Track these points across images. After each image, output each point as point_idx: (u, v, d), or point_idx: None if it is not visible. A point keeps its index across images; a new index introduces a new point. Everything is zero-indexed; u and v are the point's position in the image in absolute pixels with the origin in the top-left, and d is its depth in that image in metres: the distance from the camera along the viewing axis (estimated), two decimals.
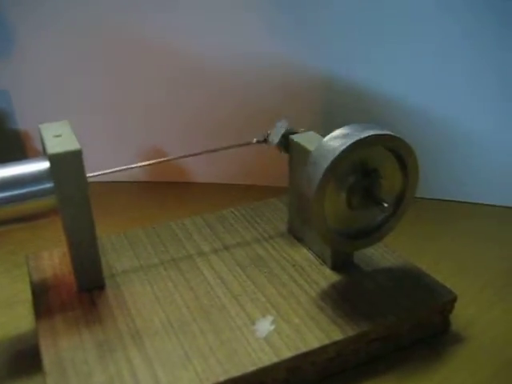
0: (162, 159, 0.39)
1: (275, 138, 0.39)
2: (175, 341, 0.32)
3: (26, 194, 0.34)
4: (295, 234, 0.42)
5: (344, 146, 0.32)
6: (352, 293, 0.36)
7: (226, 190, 0.56)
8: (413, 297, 0.36)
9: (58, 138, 0.34)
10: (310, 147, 0.36)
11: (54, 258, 0.40)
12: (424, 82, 0.49)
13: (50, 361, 0.31)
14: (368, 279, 0.37)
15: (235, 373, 0.30)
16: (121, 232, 0.42)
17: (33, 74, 0.52)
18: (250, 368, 0.31)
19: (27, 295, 0.41)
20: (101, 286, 0.37)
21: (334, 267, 0.38)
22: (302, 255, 0.40)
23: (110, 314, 0.35)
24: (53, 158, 0.32)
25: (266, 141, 0.39)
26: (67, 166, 0.33)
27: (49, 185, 0.34)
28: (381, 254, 0.40)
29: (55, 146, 0.33)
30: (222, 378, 0.30)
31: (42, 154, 0.36)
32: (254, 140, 0.39)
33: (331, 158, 0.32)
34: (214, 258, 0.39)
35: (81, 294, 0.36)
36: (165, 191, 0.56)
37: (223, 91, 0.53)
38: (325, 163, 0.32)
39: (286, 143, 0.39)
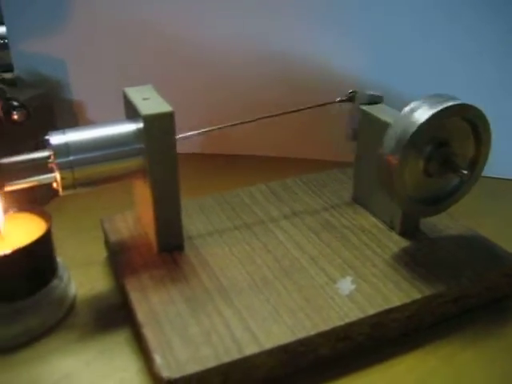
0: (219, 126, 0.40)
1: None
2: (262, 297, 0.34)
3: (116, 155, 0.36)
4: (361, 203, 0.44)
5: (426, 117, 0.34)
6: (423, 257, 0.38)
7: (274, 162, 0.58)
8: (481, 261, 0.38)
9: (147, 100, 0.36)
10: (386, 118, 0.38)
11: (127, 221, 0.42)
12: None
13: (143, 314, 0.33)
14: (436, 245, 0.40)
15: (325, 327, 0.32)
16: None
17: (89, 44, 0.54)
18: (338, 323, 0.33)
19: (100, 257, 0.43)
20: (180, 248, 0.39)
21: (403, 233, 0.40)
22: (370, 222, 0.42)
23: (193, 273, 0.37)
24: (147, 119, 0.34)
25: (350, 99, 0.41)
26: (160, 126, 0.35)
27: (137, 146, 0.36)
28: (444, 223, 0.42)
29: (148, 107, 0.35)
30: (312, 332, 0.32)
31: (126, 116, 0.38)
32: (337, 99, 0.41)
33: (413, 129, 0.34)
34: (286, 223, 0.41)
35: (162, 255, 0.38)
36: (215, 163, 0.58)
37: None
38: (407, 134, 0.34)
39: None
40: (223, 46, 0.54)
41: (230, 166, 0.58)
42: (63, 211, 0.48)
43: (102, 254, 0.43)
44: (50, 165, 0.36)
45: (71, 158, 0.34)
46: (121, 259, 0.38)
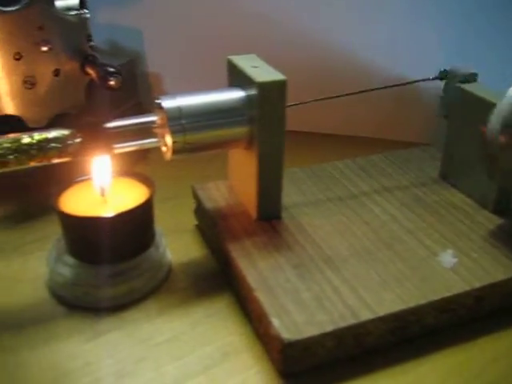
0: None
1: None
2: (367, 267, 0.35)
3: (225, 122, 0.36)
4: (450, 180, 0.44)
5: None
6: None
7: (352, 141, 0.59)
8: None
9: (257, 68, 0.36)
10: (489, 97, 0.39)
11: (220, 189, 0.42)
12: None
13: (253, 279, 0.34)
14: None
15: (433, 297, 0.33)
16: None
17: (165, 15, 0.54)
18: (446, 293, 0.33)
19: (189, 225, 0.44)
20: (278, 217, 0.39)
21: (496, 211, 0.41)
22: (460, 199, 0.42)
23: (295, 242, 0.37)
24: (261, 86, 0.35)
25: (442, 78, 0.41)
26: (273, 94, 0.35)
27: (246, 114, 0.36)
28: None
29: (260, 75, 0.35)
30: (422, 301, 0.33)
31: (230, 84, 0.39)
32: (431, 77, 0.42)
33: None
34: (378, 197, 0.42)
35: (261, 223, 0.39)
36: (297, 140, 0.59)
37: None
38: None
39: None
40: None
41: (308, 143, 0.58)
42: None
43: (190, 222, 0.44)
44: (155, 129, 0.36)
45: (183, 121, 0.35)
46: (220, 226, 0.39)
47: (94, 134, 0.35)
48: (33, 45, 0.42)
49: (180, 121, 0.35)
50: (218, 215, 0.40)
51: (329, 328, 0.31)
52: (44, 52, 0.43)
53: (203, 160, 0.44)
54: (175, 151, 0.35)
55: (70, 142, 0.34)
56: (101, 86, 0.42)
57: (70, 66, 0.44)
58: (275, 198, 0.39)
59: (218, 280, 0.39)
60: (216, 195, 0.42)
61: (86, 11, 0.47)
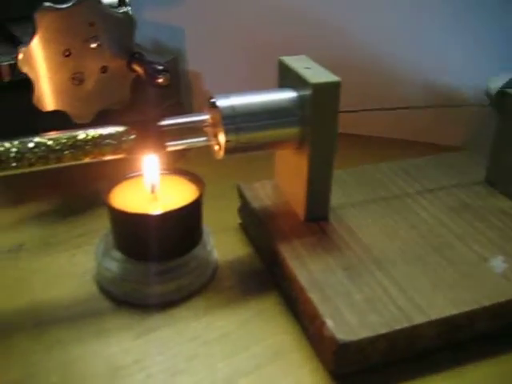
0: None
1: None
2: (416, 270, 0.35)
3: (278, 122, 0.36)
4: (496, 185, 0.44)
5: None
6: None
7: (395, 144, 0.59)
8: None
9: (310, 70, 0.37)
10: None
11: (266, 188, 0.43)
12: None
13: (305, 280, 0.34)
14: None
15: (486, 302, 0.33)
16: None
17: (209, 14, 0.54)
18: (499, 299, 0.33)
19: (233, 223, 0.44)
20: (325, 218, 0.39)
21: None
22: (509, 205, 0.42)
23: (344, 243, 0.37)
24: (316, 87, 0.35)
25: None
26: (326, 95, 0.35)
27: (298, 115, 0.36)
28: None
29: (314, 76, 0.35)
30: (475, 306, 0.33)
31: (281, 84, 0.39)
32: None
33: None
34: (423, 200, 0.42)
35: (308, 224, 0.39)
36: None
37: None
38: None
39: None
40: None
41: (347, 145, 0.58)
42: None
43: (233, 220, 0.44)
44: (205, 128, 0.37)
45: (237, 121, 0.35)
46: (269, 226, 0.39)
47: (148, 132, 0.35)
48: (82, 42, 0.43)
49: (234, 120, 0.35)
50: (265, 215, 0.40)
51: (382, 330, 0.31)
52: (93, 49, 0.43)
53: (242, 159, 0.44)
54: (228, 150, 0.36)
55: (124, 138, 0.35)
56: (148, 84, 0.42)
57: (117, 63, 0.45)
58: (324, 199, 0.39)
59: (263, 279, 0.39)
60: (262, 194, 0.42)
61: (129, 8, 0.47)
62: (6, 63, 0.44)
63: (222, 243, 0.41)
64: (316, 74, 0.36)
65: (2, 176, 0.34)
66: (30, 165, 0.34)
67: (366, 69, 0.54)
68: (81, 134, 0.34)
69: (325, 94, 0.35)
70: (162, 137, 0.35)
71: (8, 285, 0.38)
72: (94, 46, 0.43)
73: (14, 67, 0.44)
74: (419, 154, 0.49)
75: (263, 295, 0.37)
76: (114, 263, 0.37)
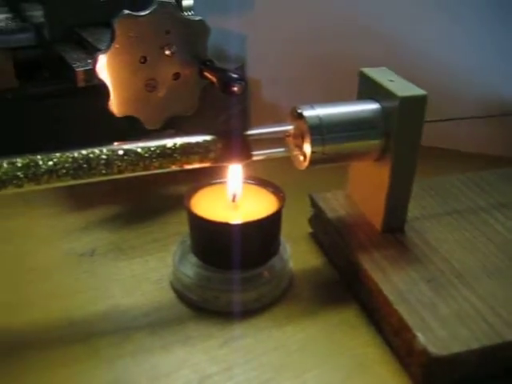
0: None
1: None
2: (500, 285, 0.35)
3: (362, 134, 0.37)
4: None
5: None
6: None
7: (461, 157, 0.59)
8: None
9: (394, 82, 0.37)
10: None
11: (339, 199, 0.43)
12: None
13: (390, 292, 0.34)
14: None
15: None
16: None
17: (271, 23, 0.55)
18: None
19: (302, 232, 0.44)
20: (401, 230, 0.40)
21: None
22: None
23: (423, 255, 0.37)
24: (403, 101, 0.35)
25: None
26: (413, 109, 0.35)
27: (382, 127, 0.36)
28: None
29: (400, 89, 0.36)
30: None
31: (360, 96, 0.39)
32: None
33: None
34: (498, 214, 0.42)
35: (385, 235, 0.39)
36: None
37: None
38: None
39: None
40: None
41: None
42: None
43: (303, 229, 0.44)
44: (287, 138, 0.37)
45: (324, 132, 0.35)
46: (347, 236, 0.39)
47: (234, 141, 0.36)
48: (158, 49, 0.43)
49: (320, 131, 0.35)
50: (341, 225, 0.40)
51: (474, 345, 0.31)
52: (167, 56, 0.44)
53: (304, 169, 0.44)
54: (313, 161, 0.36)
55: (211, 148, 0.35)
56: (222, 92, 0.43)
57: (189, 71, 0.45)
58: (402, 211, 0.39)
59: (339, 289, 0.39)
60: (335, 204, 0.42)
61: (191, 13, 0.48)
62: (81, 69, 0.44)
63: (295, 253, 0.41)
64: (401, 86, 0.36)
65: (88, 183, 0.34)
66: (119, 172, 0.34)
67: (427, 80, 0.54)
68: (169, 143, 0.35)
69: (411, 107, 0.35)
70: (247, 146, 0.36)
71: (85, 289, 0.39)
72: (168, 53, 0.44)
73: (88, 73, 0.44)
74: (482, 165, 0.50)
75: (342, 306, 0.38)
76: (193, 270, 0.38)
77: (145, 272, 0.40)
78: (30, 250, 0.42)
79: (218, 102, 0.48)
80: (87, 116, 0.52)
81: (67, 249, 0.43)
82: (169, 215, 0.46)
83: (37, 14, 0.54)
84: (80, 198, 0.48)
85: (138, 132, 0.47)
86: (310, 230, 0.45)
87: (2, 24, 0.53)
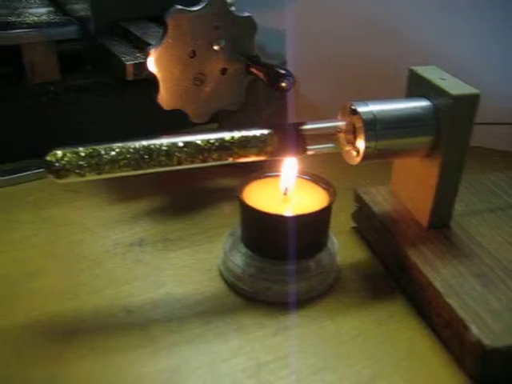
0: None
1: None
2: None
3: (413, 131, 0.38)
4: None
5: None
6: None
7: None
8: None
9: (445, 80, 0.38)
10: None
11: (383, 194, 0.44)
12: None
13: (441, 285, 0.35)
14: None
15: None
16: None
17: (311, 19, 0.56)
18: None
19: (345, 227, 0.45)
20: (447, 226, 0.40)
21: None
22: None
23: (470, 251, 0.38)
24: (456, 99, 0.36)
25: None
26: (466, 107, 0.36)
27: (432, 124, 0.37)
28: None
29: (453, 88, 0.37)
30: None
31: (409, 93, 0.40)
32: None
33: None
34: None
35: (432, 230, 0.40)
36: None
37: None
38: None
39: None
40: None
41: None
42: None
43: (346, 224, 0.45)
44: (338, 134, 0.38)
45: (377, 128, 0.36)
46: (393, 231, 0.40)
47: (290, 135, 0.37)
48: (207, 43, 0.44)
49: (374, 127, 0.36)
50: (387, 219, 0.41)
51: None
52: (215, 51, 0.45)
53: (340, 165, 0.45)
54: (366, 157, 0.37)
55: (268, 141, 0.36)
56: (270, 87, 0.44)
57: (236, 66, 0.46)
58: (449, 207, 0.40)
59: (387, 283, 0.40)
60: (379, 200, 0.43)
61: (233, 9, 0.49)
62: (131, 62, 0.45)
63: (340, 246, 0.42)
64: (454, 85, 0.37)
65: (148, 173, 0.35)
66: (179, 163, 0.35)
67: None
68: (227, 136, 0.36)
69: (464, 106, 0.36)
70: (302, 140, 0.37)
71: (137, 278, 0.40)
72: (217, 48, 0.45)
73: (138, 66, 0.45)
74: None
75: (390, 299, 0.39)
76: (244, 261, 0.39)
77: (195, 262, 0.41)
78: (79, 239, 0.43)
79: (260, 97, 0.49)
80: (128, 109, 0.53)
81: (116, 238, 0.44)
82: (212, 208, 0.47)
83: (78, 7, 0.55)
84: (126, 190, 0.49)
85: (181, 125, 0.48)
86: (352, 224, 0.46)
87: (45, 17, 0.55)
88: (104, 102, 0.53)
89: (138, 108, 0.53)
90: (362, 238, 0.44)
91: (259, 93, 0.49)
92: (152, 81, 0.43)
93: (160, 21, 0.48)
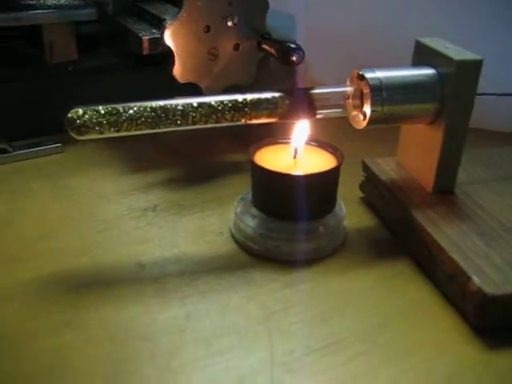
0: None
1: None
2: None
3: (418, 97, 0.40)
4: None
5: None
6: None
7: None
8: None
9: (449, 49, 0.40)
10: None
11: (389, 164, 0.46)
12: None
13: (444, 242, 0.37)
14: None
15: None
16: None
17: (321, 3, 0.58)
18: None
19: (354, 197, 0.47)
20: (451, 192, 0.42)
21: None
22: None
23: (473, 213, 0.40)
24: (459, 65, 0.38)
25: None
26: (469, 73, 0.38)
27: (437, 91, 0.39)
28: None
29: (457, 54, 0.39)
30: None
31: (415, 63, 0.42)
32: None
33: None
34: None
35: (437, 195, 0.42)
36: None
37: None
38: None
39: None
40: None
41: None
42: None
43: (354, 195, 0.47)
44: (346, 100, 0.40)
45: (383, 92, 0.38)
46: (399, 196, 0.42)
47: (302, 99, 0.39)
48: (221, 19, 0.47)
49: (380, 92, 0.38)
50: (394, 186, 0.43)
51: None
52: (229, 27, 0.47)
53: (348, 138, 0.47)
54: (372, 121, 0.39)
55: (279, 104, 0.38)
56: (281, 62, 0.46)
57: (248, 42, 0.48)
58: (453, 172, 0.42)
59: (392, 245, 0.42)
60: (387, 169, 0.45)
61: None
62: (146, 37, 0.48)
63: (348, 213, 0.44)
64: (457, 52, 0.39)
65: (163, 132, 0.37)
66: (193, 123, 0.38)
67: None
68: (240, 97, 0.38)
69: (467, 71, 0.38)
70: (312, 104, 0.39)
71: (152, 239, 0.42)
72: (230, 24, 0.47)
73: (153, 42, 0.48)
74: None
75: (395, 259, 0.40)
76: (254, 221, 0.41)
77: (207, 225, 0.43)
78: (95, 205, 0.46)
79: (270, 75, 0.51)
80: (143, 89, 0.56)
81: (130, 204, 0.46)
82: (224, 179, 0.50)
83: None
84: (140, 160, 0.52)
85: None
86: (361, 195, 0.47)
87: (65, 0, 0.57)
88: (118, 82, 0.55)
89: (152, 89, 0.55)
90: (370, 207, 0.46)
91: (269, 71, 0.51)
92: (166, 60, 0.46)
93: (176, 2, 0.51)
